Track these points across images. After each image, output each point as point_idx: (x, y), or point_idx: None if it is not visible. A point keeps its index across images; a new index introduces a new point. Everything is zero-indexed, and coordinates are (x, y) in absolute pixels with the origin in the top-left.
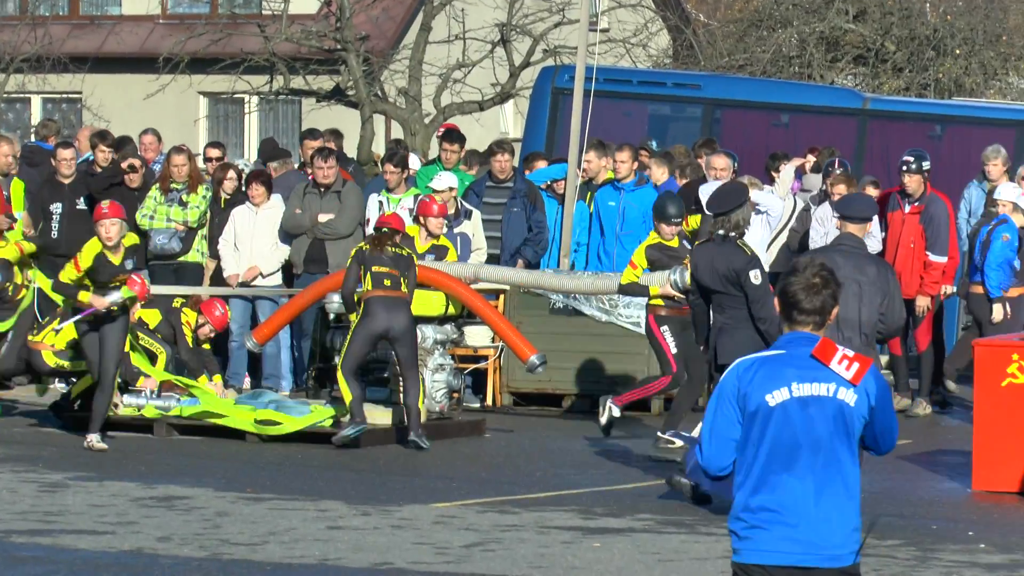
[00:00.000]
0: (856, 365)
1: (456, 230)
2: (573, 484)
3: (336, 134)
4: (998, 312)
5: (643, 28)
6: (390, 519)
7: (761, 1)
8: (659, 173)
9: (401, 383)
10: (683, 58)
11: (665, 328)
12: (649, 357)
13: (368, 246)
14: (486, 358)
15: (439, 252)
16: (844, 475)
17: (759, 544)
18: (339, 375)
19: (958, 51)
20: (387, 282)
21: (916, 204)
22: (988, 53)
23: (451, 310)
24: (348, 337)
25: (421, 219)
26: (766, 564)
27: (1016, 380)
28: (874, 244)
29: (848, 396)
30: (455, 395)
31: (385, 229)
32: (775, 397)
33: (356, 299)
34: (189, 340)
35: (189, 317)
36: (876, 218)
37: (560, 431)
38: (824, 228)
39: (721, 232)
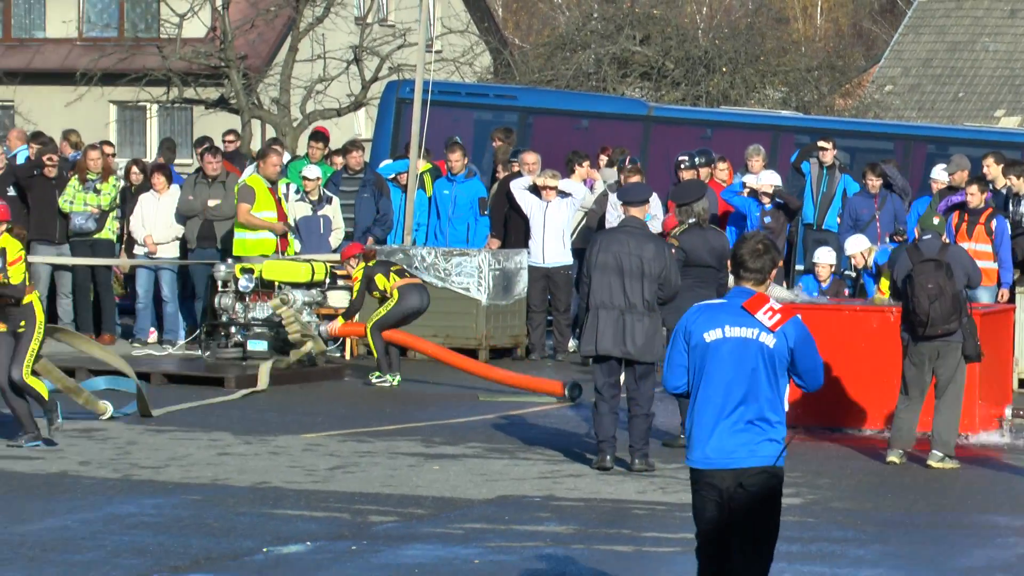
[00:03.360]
0: (777, 316)
1: (319, 213)
2: (416, 418)
3: (236, 134)
4: None
5: (469, 50)
6: (268, 447)
7: (564, 28)
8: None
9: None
10: (502, 74)
11: None
12: (477, 316)
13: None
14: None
15: None
16: (766, 396)
17: (698, 453)
18: (369, 335)
19: (724, 69)
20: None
21: None
22: (749, 70)
23: (316, 277)
24: (391, 307)
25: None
26: (703, 468)
27: None
28: (656, 225)
29: (768, 339)
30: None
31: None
32: (711, 335)
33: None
34: None
35: None
36: (658, 201)
37: (405, 375)
38: (617, 212)
39: (693, 220)
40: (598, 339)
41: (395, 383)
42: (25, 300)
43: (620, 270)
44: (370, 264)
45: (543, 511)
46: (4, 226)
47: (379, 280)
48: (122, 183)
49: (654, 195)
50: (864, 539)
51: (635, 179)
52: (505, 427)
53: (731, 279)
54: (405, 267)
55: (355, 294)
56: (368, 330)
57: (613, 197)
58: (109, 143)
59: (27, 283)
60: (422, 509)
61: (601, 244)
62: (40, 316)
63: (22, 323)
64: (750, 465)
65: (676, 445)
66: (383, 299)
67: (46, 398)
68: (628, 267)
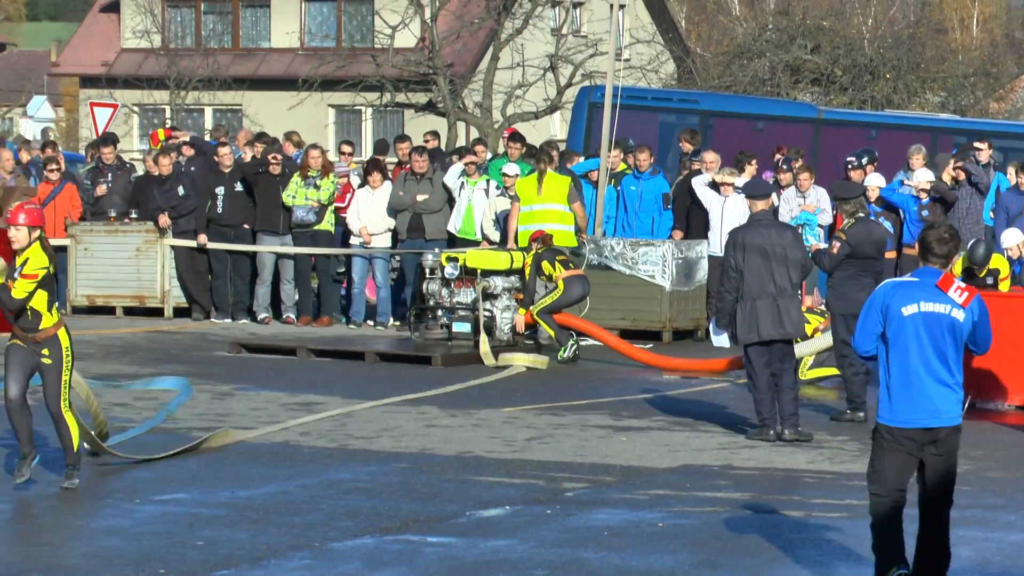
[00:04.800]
0: (966, 294)
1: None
2: (605, 394)
3: (435, 134)
4: None
5: (655, 58)
6: (471, 419)
7: (742, 38)
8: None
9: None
10: (685, 80)
11: None
12: (662, 301)
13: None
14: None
15: None
16: (954, 363)
17: (895, 413)
18: (539, 319)
19: (888, 75)
20: (571, 264)
21: None
22: (910, 77)
23: (515, 265)
24: (556, 297)
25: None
26: (900, 427)
27: None
28: (826, 218)
29: (958, 315)
30: (518, 329)
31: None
32: (908, 309)
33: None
34: None
35: None
36: (827, 196)
37: (595, 354)
38: (788, 206)
39: (861, 214)
40: (759, 326)
41: (578, 345)
42: (44, 325)
43: (768, 259)
44: (539, 251)
45: (721, 479)
46: (36, 232)
47: (546, 266)
48: (341, 180)
49: (823, 190)
50: (1014, 505)
51: (805, 175)
52: (686, 402)
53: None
54: (570, 259)
55: (527, 278)
56: (536, 316)
57: (786, 193)
58: (349, 142)
59: (28, 305)
60: (611, 477)
61: (744, 239)
62: (67, 346)
63: (45, 352)
64: (944, 424)
65: (843, 419)
66: (549, 287)
67: (75, 447)
68: (774, 255)
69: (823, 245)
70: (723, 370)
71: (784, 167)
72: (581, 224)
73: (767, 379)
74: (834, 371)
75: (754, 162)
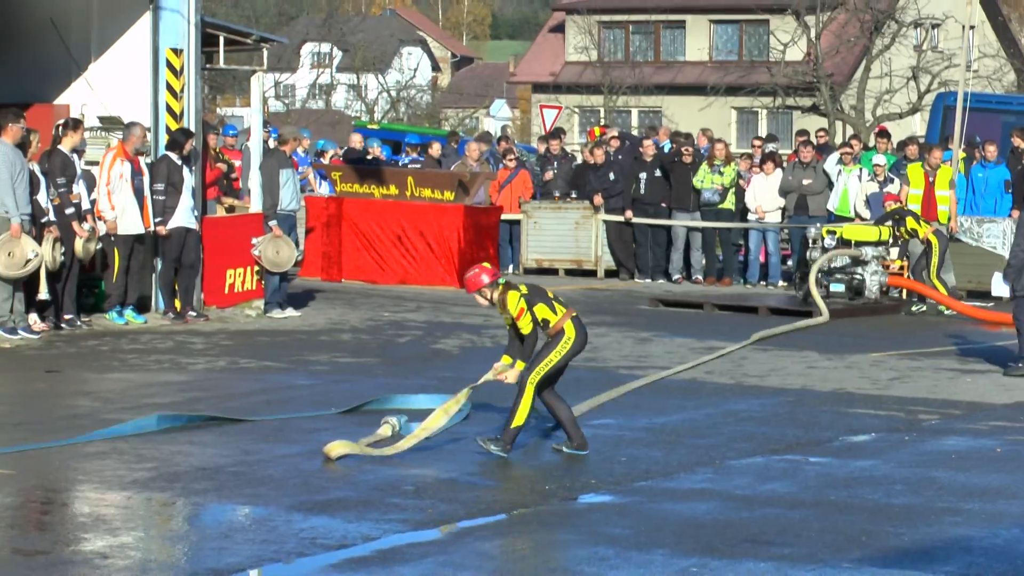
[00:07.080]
0: None
1: (884, 190)
2: (955, 343)
3: (825, 132)
4: None
5: (999, 69)
6: (844, 363)
7: None
8: None
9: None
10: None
11: None
12: (991, 268)
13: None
14: (902, 267)
15: None
16: None
17: None
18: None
19: None
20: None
21: None
22: None
23: (883, 237)
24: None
25: None
26: None
27: None
28: None
29: None
30: (883, 290)
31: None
32: None
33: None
34: None
35: None
36: None
37: (950, 313)
38: None
39: None
40: None
41: (924, 308)
42: None
43: None
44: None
45: None
46: None
47: (910, 222)
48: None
49: None
50: None
51: None
52: None
53: None
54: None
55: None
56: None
57: None
58: (759, 138)
59: None
60: (958, 410)
61: None
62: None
63: None
64: None
65: None
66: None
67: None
68: None
69: None
70: None
71: None
72: (951, 209)
73: None
74: None
75: None
